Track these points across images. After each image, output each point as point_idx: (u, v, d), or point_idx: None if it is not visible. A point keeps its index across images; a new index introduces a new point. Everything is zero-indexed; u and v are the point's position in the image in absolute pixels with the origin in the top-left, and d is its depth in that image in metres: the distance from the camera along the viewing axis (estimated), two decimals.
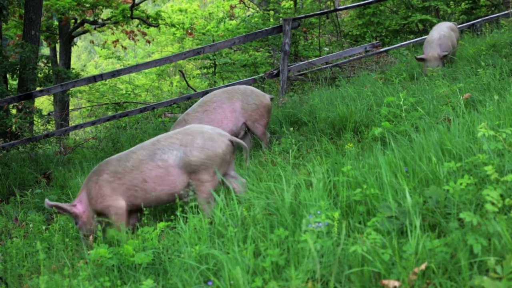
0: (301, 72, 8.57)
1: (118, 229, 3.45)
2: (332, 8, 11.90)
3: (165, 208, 3.89)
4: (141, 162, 3.46)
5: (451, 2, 12.33)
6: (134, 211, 3.68)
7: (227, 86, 7.98)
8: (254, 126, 4.92)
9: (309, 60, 8.40)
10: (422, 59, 5.86)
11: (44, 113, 11.53)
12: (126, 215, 3.54)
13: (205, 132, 3.53)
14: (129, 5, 13.40)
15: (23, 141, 7.87)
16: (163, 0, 27.20)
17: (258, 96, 4.97)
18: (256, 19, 12.87)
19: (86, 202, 3.61)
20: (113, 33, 15.28)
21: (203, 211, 3.40)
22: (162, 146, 3.50)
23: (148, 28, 14.30)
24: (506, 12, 9.71)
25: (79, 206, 3.61)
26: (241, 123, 4.90)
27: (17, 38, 12.28)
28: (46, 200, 3.55)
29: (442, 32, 5.96)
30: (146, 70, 15.66)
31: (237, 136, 5.00)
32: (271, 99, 5.16)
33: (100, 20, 14.10)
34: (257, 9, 14.75)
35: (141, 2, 14.05)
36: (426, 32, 11.66)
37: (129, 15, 13.38)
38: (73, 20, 14.12)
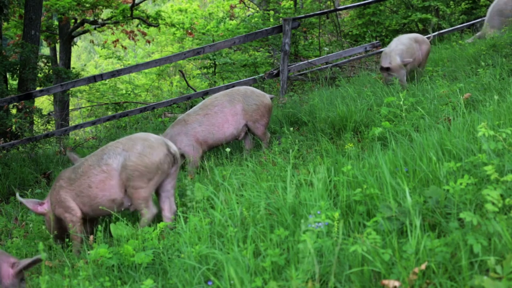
0: (301, 72, 8.57)
1: (74, 237, 3.61)
2: (332, 8, 11.90)
3: None
4: (89, 168, 3.61)
5: (451, 2, 12.33)
6: (91, 220, 3.79)
7: (227, 86, 7.99)
8: (254, 127, 4.93)
9: (309, 60, 8.40)
10: (387, 69, 5.36)
11: (44, 113, 11.53)
12: (81, 222, 3.66)
13: (147, 140, 3.65)
14: (129, 5, 13.39)
15: (23, 141, 7.86)
16: (163, 0, 27.20)
17: (259, 97, 4.98)
18: (256, 19, 12.86)
19: (49, 205, 3.76)
20: (113, 33, 15.27)
21: (143, 217, 3.55)
22: (108, 151, 3.63)
23: (148, 28, 14.28)
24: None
25: (46, 206, 3.76)
26: (242, 125, 4.92)
27: (17, 38, 12.27)
28: (17, 196, 3.75)
29: (400, 44, 5.61)
30: (146, 70, 15.64)
31: (237, 138, 5.01)
32: (272, 98, 5.17)
33: (100, 20, 14.09)
34: (257, 9, 14.74)
35: (141, 2, 14.03)
36: (426, 31, 11.65)
37: (129, 15, 13.36)
38: (73, 20, 14.10)
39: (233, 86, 8.09)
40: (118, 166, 3.54)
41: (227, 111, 4.85)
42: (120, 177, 3.54)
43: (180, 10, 17.01)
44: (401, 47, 5.58)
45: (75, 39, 14.90)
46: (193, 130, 4.81)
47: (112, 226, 3.35)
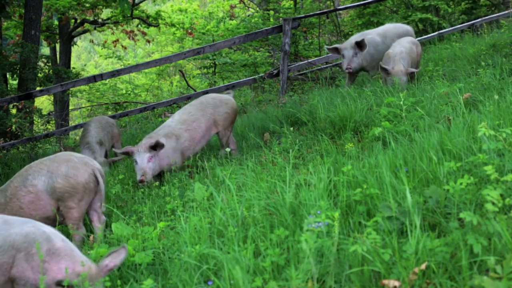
0: (301, 72, 8.57)
1: None
2: (332, 8, 11.90)
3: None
4: (16, 189, 3.63)
5: (451, 1, 12.32)
6: None
7: (227, 86, 7.99)
8: (224, 134, 5.05)
9: (309, 60, 8.40)
10: (386, 71, 5.37)
11: (44, 113, 11.52)
12: None
13: (70, 161, 3.70)
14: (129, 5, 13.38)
15: (23, 141, 7.87)
16: (163, 0, 27.19)
17: (227, 104, 5.09)
18: (256, 19, 12.86)
19: None
20: (113, 33, 15.26)
21: (73, 237, 3.58)
22: (33, 171, 3.67)
23: (148, 28, 14.28)
24: (506, 12, 9.71)
25: None
26: (213, 134, 5.04)
27: (17, 38, 12.27)
28: None
29: (402, 47, 5.59)
30: (146, 70, 15.65)
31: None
32: (230, 94, 5.33)
33: (100, 20, 14.08)
34: (257, 9, 14.74)
35: (141, 2, 14.03)
36: (426, 31, 11.65)
37: (129, 15, 13.36)
38: (73, 20, 14.10)
39: (233, 86, 8.10)
40: (44, 187, 3.60)
41: (203, 126, 4.92)
42: (52, 197, 3.61)
43: (180, 10, 17.01)
44: (404, 51, 5.56)
45: (75, 39, 14.89)
46: (182, 145, 4.79)
47: (114, 225, 3.36)
